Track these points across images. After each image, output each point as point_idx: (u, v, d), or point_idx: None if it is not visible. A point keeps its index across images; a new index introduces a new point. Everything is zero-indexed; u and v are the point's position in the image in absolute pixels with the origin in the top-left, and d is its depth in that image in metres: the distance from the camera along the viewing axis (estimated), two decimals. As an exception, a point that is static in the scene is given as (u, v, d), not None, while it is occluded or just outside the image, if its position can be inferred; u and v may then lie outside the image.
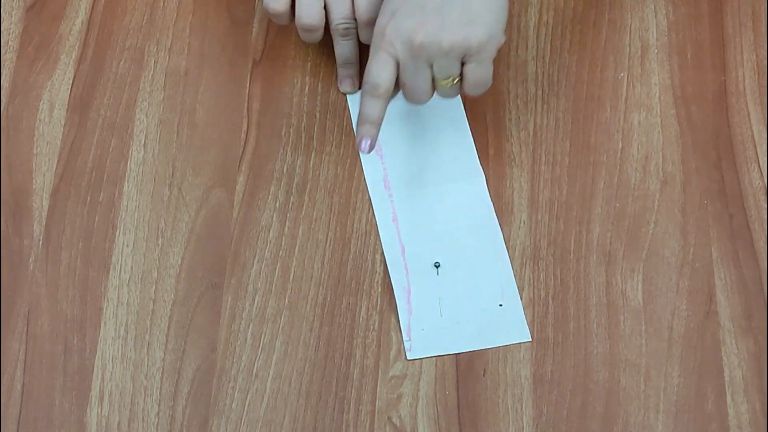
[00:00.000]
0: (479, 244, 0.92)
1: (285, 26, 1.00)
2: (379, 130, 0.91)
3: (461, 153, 0.96)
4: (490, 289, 0.91)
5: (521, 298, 0.90)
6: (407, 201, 0.94)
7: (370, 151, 0.91)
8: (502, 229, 0.93)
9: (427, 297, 0.90)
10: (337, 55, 0.97)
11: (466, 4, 0.87)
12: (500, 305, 0.90)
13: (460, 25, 0.87)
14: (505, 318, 0.89)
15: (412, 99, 0.91)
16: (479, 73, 0.89)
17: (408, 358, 0.88)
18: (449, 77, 0.89)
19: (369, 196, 0.94)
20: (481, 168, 0.95)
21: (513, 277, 0.91)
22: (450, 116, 0.97)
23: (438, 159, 0.96)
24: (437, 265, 0.91)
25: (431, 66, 0.88)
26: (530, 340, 0.89)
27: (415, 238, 0.93)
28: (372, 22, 0.91)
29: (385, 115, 0.92)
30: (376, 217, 0.93)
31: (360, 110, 0.91)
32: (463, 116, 0.97)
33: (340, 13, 0.94)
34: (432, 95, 0.91)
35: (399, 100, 0.92)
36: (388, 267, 0.91)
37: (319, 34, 0.95)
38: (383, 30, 0.88)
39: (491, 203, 0.93)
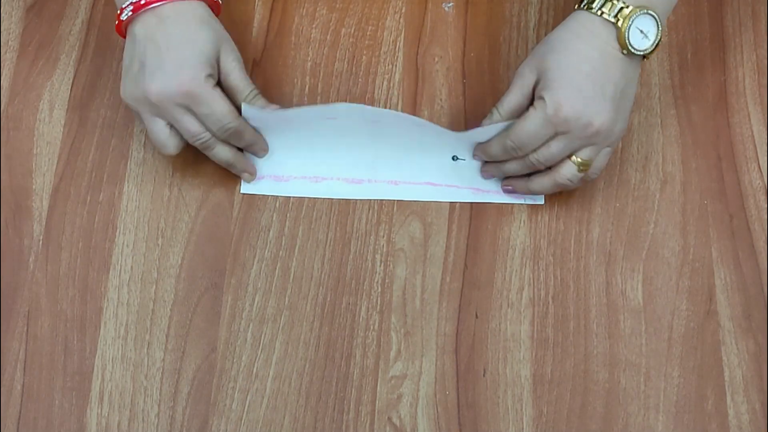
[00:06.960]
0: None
1: (284, 28, 1.00)
2: None
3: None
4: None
5: (521, 299, 0.90)
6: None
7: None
8: (502, 229, 0.93)
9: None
10: (218, 162, 0.92)
11: (619, 94, 0.87)
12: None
13: (608, 112, 0.86)
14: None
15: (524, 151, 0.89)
16: (604, 161, 0.89)
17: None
18: (589, 159, 0.88)
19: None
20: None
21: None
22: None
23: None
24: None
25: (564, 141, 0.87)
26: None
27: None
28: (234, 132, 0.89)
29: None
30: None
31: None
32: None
33: (189, 132, 0.88)
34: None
35: None
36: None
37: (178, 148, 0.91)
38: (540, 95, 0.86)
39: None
